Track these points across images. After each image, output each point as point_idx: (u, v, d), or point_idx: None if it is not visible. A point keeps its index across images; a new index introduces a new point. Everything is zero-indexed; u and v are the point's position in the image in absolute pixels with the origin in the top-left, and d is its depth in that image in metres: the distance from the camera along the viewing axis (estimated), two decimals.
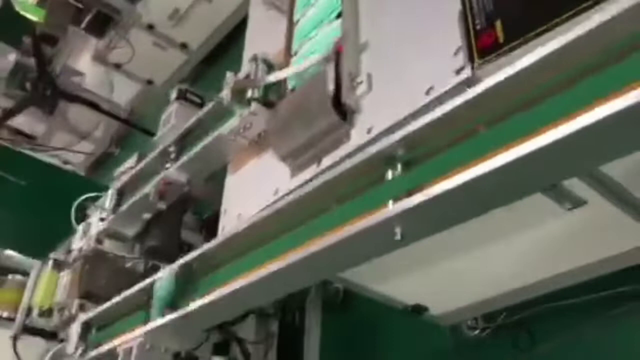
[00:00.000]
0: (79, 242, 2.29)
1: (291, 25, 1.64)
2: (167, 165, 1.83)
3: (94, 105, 4.47)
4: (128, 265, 2.08)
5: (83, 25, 4.64)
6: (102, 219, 2.13)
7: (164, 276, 1.50)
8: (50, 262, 2.42)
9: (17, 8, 4.51)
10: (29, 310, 2.36)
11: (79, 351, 1.85)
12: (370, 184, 1.08)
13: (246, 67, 1.59)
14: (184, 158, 1.76)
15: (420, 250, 1.53)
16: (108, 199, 2.16)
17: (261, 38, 1.84)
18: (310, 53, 1.50)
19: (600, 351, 1.74)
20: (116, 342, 1.65)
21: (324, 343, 2.57)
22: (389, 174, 1.05)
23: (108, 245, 2.11)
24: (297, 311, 2.69)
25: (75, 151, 5.07)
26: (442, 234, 1.42)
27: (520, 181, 0.93)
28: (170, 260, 1.62)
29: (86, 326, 1.92)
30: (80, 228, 2.35)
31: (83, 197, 2.28)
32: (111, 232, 2.12)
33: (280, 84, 1.53)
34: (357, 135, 1.25)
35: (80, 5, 4.60)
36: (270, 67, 1.56)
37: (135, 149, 2.38)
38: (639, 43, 0.80)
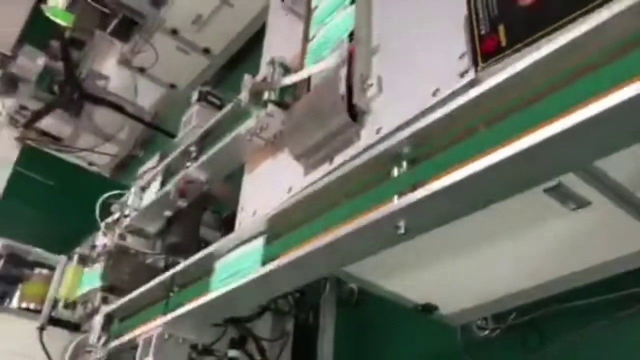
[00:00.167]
0: (102, 239, 2.38)
1: (307, 29, 1.71)
2: (188, 164, 1.90)
3: (118, 108, 4.58)
4: (149, 260, 2.16)
5: (109, 29, 4.75)
6: (125, 216, 2.21)
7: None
8: (76, 257, 2.52)
9: (47, 13, 4.65)
10: (55, 303, 2.45)
11: (102, 341, 1.94)
12: (377, 181, 1.14)
13: (264, 70, 1.66)
14: (204, 157, 1.83)
15: (430, 249, 1.60)
16: (131, 197, 2.25)
17: (279, 42, 1.91)
18: (325, 39, 1.58)
19: (609, 352, 1.77)
20: (136, 332, 1.73)
21: (338, 342, 2.62)
22: (395, 171, 1.10)
23: (131, 241, 2.19)
24: (312, 310, 2.74)
25: (100, 152, 5.19)
26: (452, 233, 1.47)
27: (518, 176, 0.98)
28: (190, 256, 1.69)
29: (108, 318, 2.00)
30: (103, 225, 2.44)
31: (107, 194, 2.37)
32: (134, 228, 2.20)
33: (296, 86, 1.59)
34: (367, 135, 1.30)
35: (106, 11, 4.71)
36: (287, 70, 1.62)
37: (158, 151, 2.46)
38: (628, 46, 0.85)
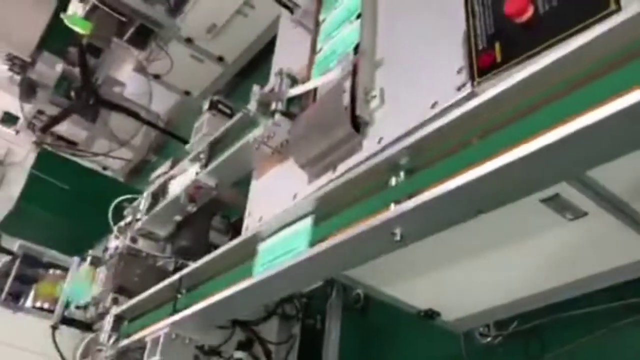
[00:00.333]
0: (114, 241, 2.44)
1: (315, 41, 1.77)
2: (198, 170, 1.96)
3: (133, 114, 4.67)
4: (159, 263, 2.22)
5: (126, 37, 4.84)
6: (137, 220, 2.27)
7: None
8: (88, 259, 2.59)
9: (66, 21, 4.75)
10: (68, 303, 2.52)
11: (111, 341, 2.00)
12: (376, 189, 1.18)
13: (272, 81, 1.72)
14: (213, 164, 1.89)
15: (432, 256, 1.65)
16: (143, 201, 2.31)
17: (288, 54, 1.96)
18: (331, 51, 1.64)
19: None
20: (145, 332, 1.79)
21: (344, 346, 2.66)
22: (393, 181, 1.15)
23: (142, 244, 2.25)
24: (319, 315, 2.79)
25: (115, 157, 5.28)
26: (453, 241, 1.52)
27: (509, 186, 1.03)
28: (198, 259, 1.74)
29: (118, 318, 2.07)
30: (116, 228, 2.51)
31: (120, 198, 2.43)
32: (145, 232, 2.26)
33: (302, 96, 1.64)
34: (369, 145, 1.35)
35: (123, 19, 4.80)
36: (294, 81, 1.68)
37: (171, 156, 2.52)
38: (615, 63, 0.89)
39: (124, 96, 5.22)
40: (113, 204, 2.32)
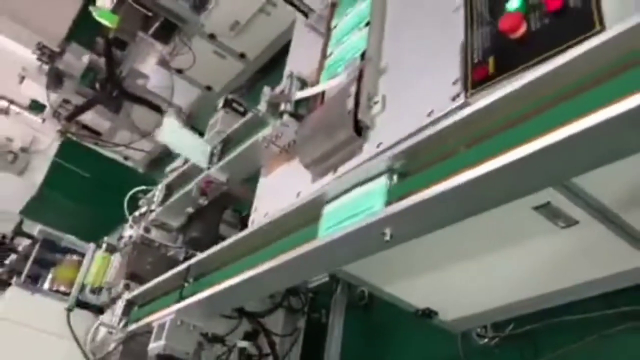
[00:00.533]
0: (129, 230, 2.54)
1: (325, 46, 1.84)
2: (210, 165, 2.05)
3: (155, 107, 4.77)
4: (170, 253, 2.31)
5: (150, 32, 4.93)
6: (151, 211, 2.37)
7: None
8: (104, 246, 2.69)
9: (94, 14, 4.86)
10: (82, 287, 2.63)
11: (122, 324, 2.09)
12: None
13: (283, 83, 1.79)
14: (225, 160, 1.97)
15: (432, 257, 1.71)
16: (157, 193, 2.40)
17: (301, 57, 2.04)
18: (340, 56, 1.71)
19: None
20: (152, 318, 1.88)
21: (346, 342, 2.73)
22: (387, 184, 1.22)
23: (155, 234, 2.34)
24: (324, 309, 2.86)
25: (136, 149, 5.37)
26: (453, 243, 1.59)
27: (495, 191, 1.08)
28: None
29: (129, 303, 2.17)
30: (131, 217, 2.61)
31: (135, 189, 2.53)
32: (158, 222, 2.36)
33: (311, 99, 1.71)
34: (369, 149, 1.42)
35: (149, 13, 4.90)
36: (304, 84, 1.75)
37: None
38: (599, 78, 0.95)
39: (148, 89, 5.33)
40: (128, 195, 2.42)
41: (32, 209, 4.56)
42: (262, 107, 1.70)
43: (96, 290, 2.58)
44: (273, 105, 1.70)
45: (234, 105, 2.21)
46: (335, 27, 1.85)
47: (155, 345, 1.80)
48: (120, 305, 2.17)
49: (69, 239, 2.92)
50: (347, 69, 1.58)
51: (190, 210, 2.19)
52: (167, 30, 4.84)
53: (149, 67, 5.42)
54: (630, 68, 0.93)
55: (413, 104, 1.35)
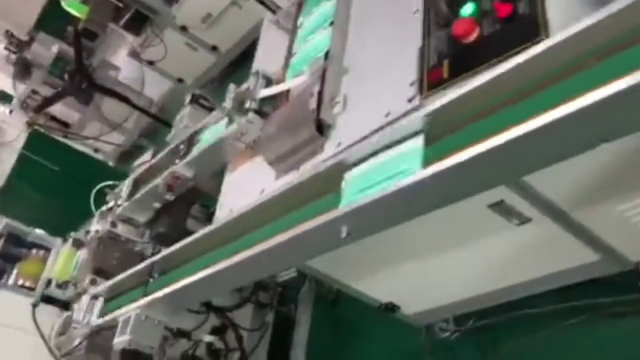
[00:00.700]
0: (96, 225, 2.54)
1: (291, 44, 1.86)
2: (177, 161, 2.06)
3: (124, 99, 4.73)
4: (137, 248, 2.31)
5: (121, 22, 4.89)
6: (118, 205, 2.37)
7: None
8: (70, 241, 2.68)
9: (63, 4, 4.79)
10: (49, 282, 2.62)
11: (87, 319, 2.10)
12: (329, 189, 1.28)
13: (249, 80, 1.81)
14: (191, 156, 1.98)
15: (394, 252, 1.75)
16: (124, 188, 2.40)
17: (268, 54, 2.05)
18: (305, 55, 1.74)
19: (555, 358, 1.90)
20: (118, 313, 1.89)
21: (314, 336, 2.77)
22: (344, 182, 1.25)
23: (121, 229, 2.34)
24: (293, 304, 2.89)
25: (105, 141, 5.33)
26: (413, 239, 1.63)
27: (447, 189, 1.13)
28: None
29: (95, 298, 2.17)
30: (98, 212, 2.60)
31: (102, 184, 2.52)
32: (125, 217, 2.36)
33: (276, 97, 1.73)
34: (330, 148, 1.45)
35: (120, 4, 4.86)
36: (269, 82, 1.77)
37: (162, 141, 2.59)
38: (545, 82, 1.00)
39: (119, 80, 5.29)
40: (95, 189, 2.41)
41: None
42: (228, 104, 1.72)
43: (62, 285, 2.57)
44: (239, 102, 1.72)
45: (201, 101, 2.22)
46: (301, 25, 1.87)
47: (119, 340, 1.82)
48: (85, 300, 2.18)
49: (35, 234, 2.90)
50: (311, 68, 1.60)
51: (157, 205, 2.20)
52: (138, 22, 4.81)
53: (119, 59, 5.37)
54: (573, 73, 0.98)
55: (372, 104, 1.38)
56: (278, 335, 2.84)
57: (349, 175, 1.29)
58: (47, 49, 5.20)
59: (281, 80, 1.78)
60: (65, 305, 2.53)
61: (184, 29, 4.64)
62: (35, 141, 4.88)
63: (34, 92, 5.27)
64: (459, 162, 1.06)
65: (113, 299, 2.12)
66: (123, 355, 1.80)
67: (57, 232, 2.98)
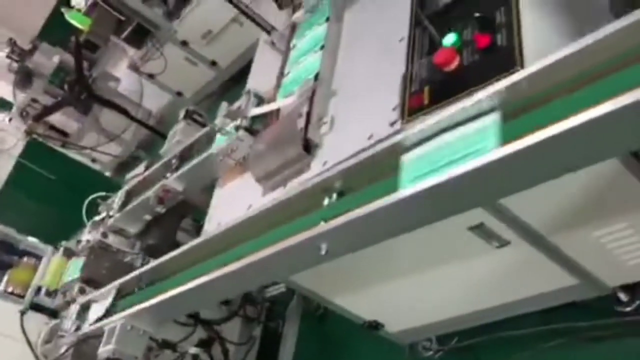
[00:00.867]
0: (87, 235, 2.57)
1: (284, 65, 1.91)
2: (168, 175, 2.10)
3: (123, 111, 4.78)
4: (127, 259, 2.35)
5: (123, 36, 4.95)
6: (110, 216, 2.41)
7: None
8: (61, 250, 2.71)
9: (66, 15, 4.86)
10: (38, 290, 2.64)
11: (74, 328, 2.13)
12: (311, 208, 1.33)
13: (241, 99, 1.86)
14: (181, 170, 2.03)
15: (378, 271, 1.78)
16: (117, 199, 2.44)
17: (261, 74, 2.11)
18: (296, 76, 1.79)
19: None
20: (104, 322, 1.92)
21: (300, 351, 2.79)
22: (326, 201, 1.29)
23: (112, 239, 2.38)
24: (281, 319, 2.92)
25: (103, 152, 5.36)
26: (397, 258, 1.67)
27: (423, 211, 1.17)
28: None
29: (83, 307, 2.20)
30: (90, 222, 2.64)
31: (94, 195, 2.56)
32: (116, 228, 2.40)
33: (267, 115, 1.78)
34: (316, 166, 1.50)
35: (122, 18, 4.92)
36: (261, 101, 1.82)
37: (160, 155, 2.62)
38: (519, 109, 1.05)
39: (118, 92, 5.34)
40: (87, 200, 2.45)
41: None
42: (219, 121, 1.77)
43: (52, 294, 2.60)
44: (230, 119, 1.77)
45: (195, 116, 2.27)
46: (294, 47, 1.92)
47: (104, 349, 1.84)
48: (74, 309, 2.20)
49: (27, 242, 2.92)
50: (301, 89, 1.65)
51: (148, 217, 2.24)
52: (140, 35, 4.86)
53: (120, 71, 5.42)
54: (549, 101, 1.02)
55: (357, 127, 1.43)
56: (265, 350, 2.86)
57: (406, 158, 1.19)
58: (49, 58, 5.24)
59: (272, 99, 1.83)
60: (53, 314, 2.55)
61: (184, 43, 4.70)
62: (33, 150, 4.91)
63: (34, 100, 5.30)
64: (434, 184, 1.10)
65: None
66: None
67: (51, 241, 3.00)
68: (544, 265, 1.59)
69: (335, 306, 2.02)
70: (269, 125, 1.77)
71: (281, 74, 1.90)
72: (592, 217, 1.43)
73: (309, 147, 1.53)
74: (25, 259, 2.82)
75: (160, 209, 2.13)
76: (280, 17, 2.13)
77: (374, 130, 1.34)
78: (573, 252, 1.54)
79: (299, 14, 1.97)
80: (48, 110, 5.02)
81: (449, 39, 1.27)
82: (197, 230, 2.38)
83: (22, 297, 2.62)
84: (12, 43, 5.37)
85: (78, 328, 2.14)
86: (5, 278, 2.71)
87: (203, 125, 2.23)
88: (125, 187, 2.49)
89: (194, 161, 1.95)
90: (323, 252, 1.24)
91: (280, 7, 2.09)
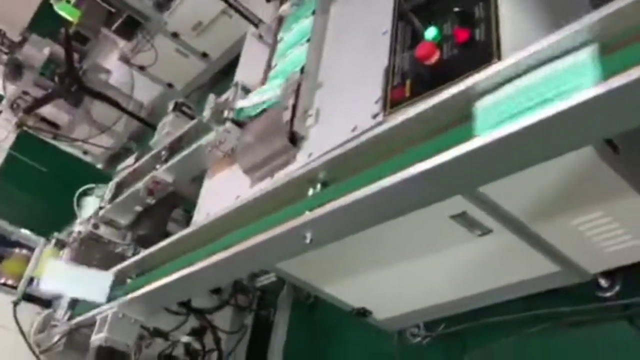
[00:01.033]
0: (79, 226, 2.60)
1: (271, 58, 1.94)
2: (158, 166, 2.13)
3: (114, 103, 4.78)
4: (118, 250, 2.38)
5: (113, 27, 4.94)
6: (100, 208, 2.43)
7: None
8: (53, 241, 2.74)
9: (55, 7, 4.85)
10: (30, 281, 2.67)
11: (66, 317, 2.16)
12: (296, 198, 1.36)
13: (229, 91, 1.89)
14: (171, 162, 2.06)
15: (365, 258, 1.82)
16: (107, 191, 2.47)
17: (249, 66, 2.13)
18: (283, 68, 1.82)
19: None
20: (96, 311, 1.95)
21: (291, 339, 2.83)
22: (310, 191, 1.33)
23: (103, 231, 2.41)
24: (272, 308, 2.96)
25: (94, 144, 5.36)
26: (383, 246, 1.70)
27: (406, 199, 1.20)
28: None
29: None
30: (81, 213, 2.66)
31: (85, 187, 2.59)
32: (107, 219, 2.43)
33: (253, 107, 1.81)
34: (302, 158, 1.53)
35: (112, 9, 4.91)
36: (248, 93, 1.85)
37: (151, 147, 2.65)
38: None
39: (109, 84, 5.34)
40: (78, 192, 2.47)
41: None
42: (207, 113, 1.79)
43: None
44: (217, 112, 1.79)
45: (184, 109, 2.29)
46: (281, 39, 1.95)
47: (96, 337, 1.89)
48: (66, 298, 2.24)
49: (19, 233, 2.95)
50: (287, 82, 1.68)
51: (138, 208, 2.27)
52: (130, 27, 4.85)
53: (111, 63, 5.42)
54: None
55: (341, 119, 1.46)
56: (257, 338, 2.90)
57: (480, 104, 1.08)
58: (39, 50, 5.22)
59: None
60: (46, 304, 2.58)
61: (175, 35, 4.70)
62: (24, 142, 4.91)
63: (25, 93, 5.29)
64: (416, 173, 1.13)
65: None
66: (99, 351, 1.86)
67: (43, 232, 3.02)
68: (526, 253, 1.63)
69: (324, 294, 2.05)
70: (255, 117, 1.80)
71: (268, 67, 1.92)
72: (570, 206, 1.47)
73: (294, 139, 1.56)
74: (17, 250, 2.85)
75: (151, 200, 2.16)
76: (268, 10, 2.15)
77: (357, 122, 1.38)
78: (553, 240, 1.58)
79: (285, 7, 1.99)
80: (39, 102, 5.01)
81: (430, 32, 1.30)
82: (188, 220, 2.40)
83: (15, 288, 2.65)
84: (1, 35, 5.35)
85: (71, 317, 2.18)
86: None
87: (192, 117, 2.26)
88: (116, 179, 2.51)
89: (183, 153, 1.98)
90: (308, 241, 1.28)
91: (267, 0, 2.11)
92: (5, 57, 5.35)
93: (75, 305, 2.23)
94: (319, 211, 1.24)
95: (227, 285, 2.56)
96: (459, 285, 1.89)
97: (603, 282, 1.74)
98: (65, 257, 2.49)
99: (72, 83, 4.67)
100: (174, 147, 2.12)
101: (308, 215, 1.26)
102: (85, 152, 5.68)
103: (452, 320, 2.11)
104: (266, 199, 1.44)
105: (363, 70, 1.51)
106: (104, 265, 2.22)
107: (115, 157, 5.85)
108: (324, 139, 1.47)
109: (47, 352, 2.33)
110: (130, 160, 2.52)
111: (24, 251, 2.83)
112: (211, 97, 1.80)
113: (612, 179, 1.34)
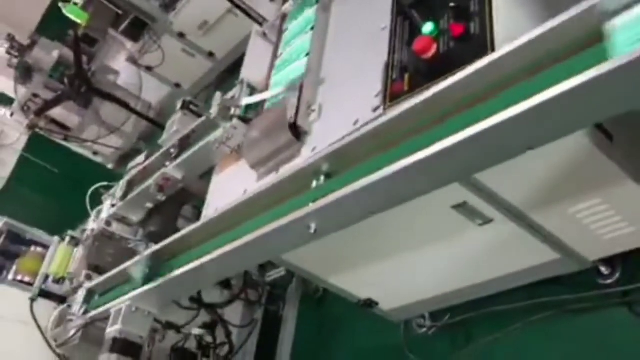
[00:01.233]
0: (91, 224, 2.66)
1: (274, 58, 1.98)
2: (167, 163, 2.18)
3: (123, 104, 4.85)
4: (131, 246, 2.44)
5: (121, 29, 5.01)
6: (112, 205, 2.50)
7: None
8: (67, 239, 2.81)
9: (64, 10, 4.91)
10: (46, 278, 2.75)
11: (82, 311, 2.23)
12: (301, 190, 1.41)
13: (235, 88, 1.94)
14: (180, 159, 2.11)
15: (371, 249, 1.86)
16: (119, 189, 2.54)
17: (254, 64, 2.18)
18: (288, 57, 1.87)
19: (523, 352, 2.01)
20: (110, 305, 2.02)
21: (300, 333, 2.89)
22: (314, 183, 1.38)
23: (115, 227, 2.47)
24: (281, 302, 3.01)
25: (104, 145, 5.44)
26: (387, 237, 1.74)
27: (405, 188, 1.25)
28: None
29: (90, 292, 2.30)
30: (94, 211, 2.73)
31: (97, 185, 2.65)
32: (119, 216, 2.49)
33: (259, 104, 1.86)
34: (306, 152, 1.57)
35: (119, 11, 4.98)
36: (253, 90, 1.90)
37: (159, 145, 2.70)
38: (493, 91, 1.12)
39: (118, 85, 5.41)
40: (90, 190, 2.54)
41: None
42: (214, 111, 1.84)
43: (59, 281, 2.70)
44: (224, 109, 1.84)
45: (192, 106, 2.35)
46: (286, 30, 1.99)
47: (111, 330, 1.95)
48: (81, 294, 2.30)
49: (34, 232, 3.02)
50: (290, 81, 1.73)
51: (149, 205, 2.33)
52: (137, 28, 4.92)
53: (119, 64, 5.49)
54: (516, 83, 1.09)
55: (343, 113, 1.50)
56: (266, 332, 2.96)
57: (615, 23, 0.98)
58: (48, 53, 5.29)
59: (265, 88, 1.90)
60: (61, 300, 2.65)
61: (181, 35, 4.76)
62: (36, 144, 4.99)
63: (35, 95, 5.37)
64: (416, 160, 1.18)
65: (107, 292, 2.25)
66: (114, 343, 1.93)
67: (55, 232, 3.09)
68: (527, 241, 1.66)
69: (331, 286, 2.10)
70: (261, 114, 1.85)
71: (274, 57, 1.97)
72: (567, 195, 1.50)
73: (298, 134, 1.61)
74: (32, 248, 2.92)
75: (161, 197, 2.22)
76: (272, 8, 2.19)
77: (359, 116, 1.42)
78: (552, 228, 1.61)
79: (288, 5, 2.04)
80: (49, 104, 5.09)
81: (427, 27, 1.34)
82: (197, 217, 2.45)
83: (31, 284, 2.72)
84: (11, 39, 5.43)
85: (86, 311, 2.24)
86: (15, 267, 2.81)
87: (199, 115, 2.31)
88: (127, 177, 2.57)
89: (192, 150, 2.04)
90: (312, 231, 1.33)
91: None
92: (15, 60, 5.43)
93: (90, 299, 2.30)
94: (323, 202, 1.29)
95: (238, 280, 2.61)
96: (463, 274, 1.93)
97: (604, 270, 1.77)
98: (80, 253, 2.56)
99: (81, 85, 4.74)
100: (183, 145, 2.17)
101: (312, 207, 1.31)
102: (95, 153, 5.76)
103: (457, 311, 2.14)
104: (272, 192, 1.50)
105: (363, 65, 1.55)
106: (117, 260, 2.28)
107: (125, 157, 5.92)
108: (327, 133, 1.51)
109: (63, 346, 2.39)
110: (140, 158, 2.58)
111: (39, 249, 2.90)
112: (218, 95, 1.85)
113: (608, 166, 1.37)
